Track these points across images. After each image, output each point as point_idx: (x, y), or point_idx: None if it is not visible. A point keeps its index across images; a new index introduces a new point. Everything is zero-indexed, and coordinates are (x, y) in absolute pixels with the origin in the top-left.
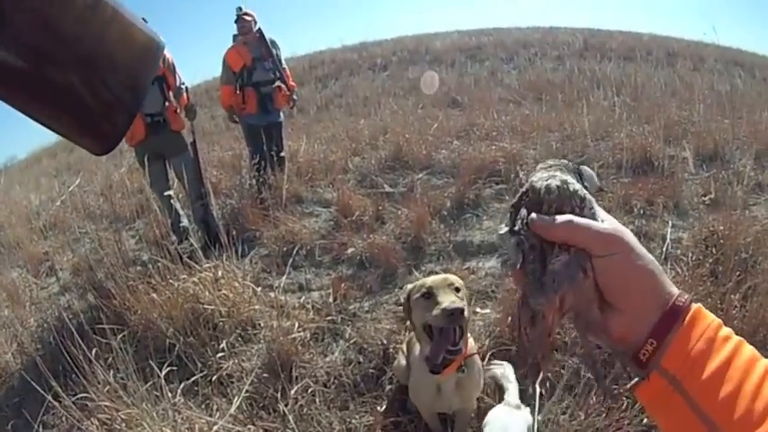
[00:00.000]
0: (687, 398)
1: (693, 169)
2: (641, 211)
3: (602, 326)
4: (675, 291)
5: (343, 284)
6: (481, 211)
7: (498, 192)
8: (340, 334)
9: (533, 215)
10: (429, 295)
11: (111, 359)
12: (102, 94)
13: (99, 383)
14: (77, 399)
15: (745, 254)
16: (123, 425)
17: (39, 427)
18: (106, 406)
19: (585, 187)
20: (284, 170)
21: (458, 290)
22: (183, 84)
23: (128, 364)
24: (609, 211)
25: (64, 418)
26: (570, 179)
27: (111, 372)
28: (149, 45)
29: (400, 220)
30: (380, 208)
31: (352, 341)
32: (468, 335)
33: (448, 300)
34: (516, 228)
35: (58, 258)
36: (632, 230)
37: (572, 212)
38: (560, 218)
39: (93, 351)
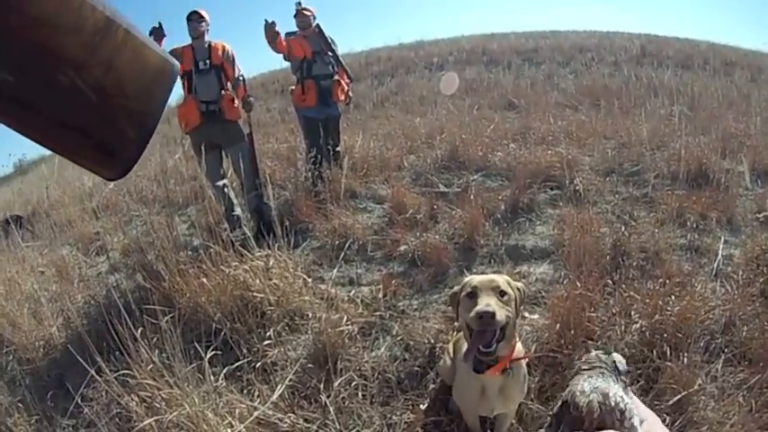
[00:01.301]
0: None
1: (749, 184)
2: (694, 225)
3: None
4: None
5: (393, 281)
6: (535, 216)
7: (553, 197)
8: (387, 330)
9: None
10: (472, 295)
11: (156, 339)
12: (113, 120)
13: (142, 362)
14: (119, 375)
15: None
16: (163, 403)
17: (78, 398)
18: (148, 384)
19: (621, 374)
20: (341, 164)
21: (503, 293)
22: (242, 75)
23: (174, 344)
24: (662, 224)
25: (104, 393)
26: (612, 387)
27: (156, 351)
28: (163, 68)
29: (454, 220)
30: (434, 207)
31: (399, 338)
32: (517, 339)
33: (484, 302)
34: None
35: (109, 239)
36: (684, 245)
37: (612, 426)
38: None
39: (139, 330)
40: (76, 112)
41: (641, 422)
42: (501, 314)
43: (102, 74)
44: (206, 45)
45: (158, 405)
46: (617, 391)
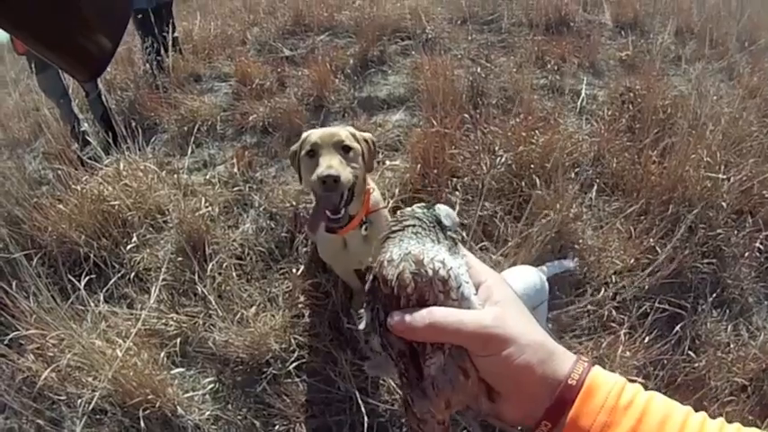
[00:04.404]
0: None
1: (612, 34)
2: (555, 68)
3: (493, 413)
4: (566, 370)
5: (246, 153)
6: (387, 66)
7: (404, 48)
8: (249, 203)
9: (390, 318)
10: (313, 154)
11: (32, 286)
12: (93, 27)
13: (25, 315)
14: (11, 339)
15: (663, 115)
16: (55, 350)
17: None
18: (36, 336)
19: (447, 230)
20: (180, 50)
21: (347, 148)
22: None
23: (47, 285)
24: (521, 67)
25: (4, 366)
26: (428, 251)
27: (33, 299)
28: None
29: (302, 81)
30: (280, 71)
31: (261, 208)
32: (372, 187)
33: (326, 163)
34: (376, 329)
35: None
36: (545, 85)
37: (436, 300)
38: (422, 318)
39: (14, 284)
40: (62, 20)
41: (479, 286)
42: (346, 175)
43: None
44: None
45: (51, 353)
46: (435, 255)
